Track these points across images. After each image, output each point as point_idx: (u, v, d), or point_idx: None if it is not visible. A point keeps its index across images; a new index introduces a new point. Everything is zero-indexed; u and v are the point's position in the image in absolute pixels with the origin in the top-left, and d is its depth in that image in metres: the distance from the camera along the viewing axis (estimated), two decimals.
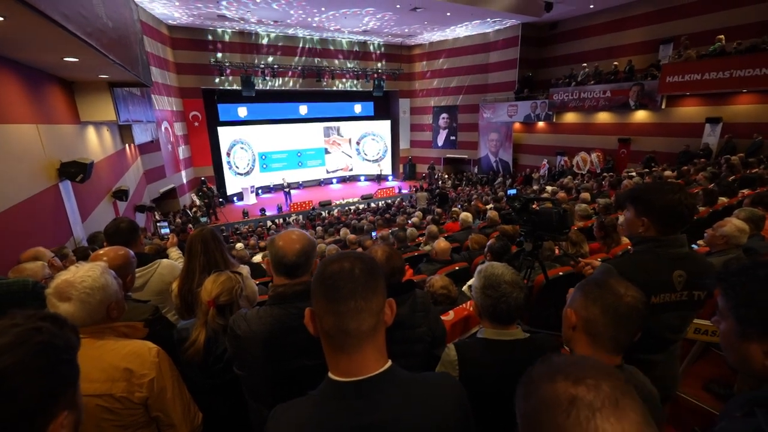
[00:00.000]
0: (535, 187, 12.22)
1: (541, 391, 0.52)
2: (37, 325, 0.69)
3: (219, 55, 15.41)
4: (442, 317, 1.89)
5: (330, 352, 0.78)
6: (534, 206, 1.94)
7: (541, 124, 15.54)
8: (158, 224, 9.43)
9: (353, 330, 0.74)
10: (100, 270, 1.21)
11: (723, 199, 4.22)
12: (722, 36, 10.08)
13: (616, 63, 12.90)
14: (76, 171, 4.46)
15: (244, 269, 1.92)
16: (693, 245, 3.12)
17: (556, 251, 3.05)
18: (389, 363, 0.78)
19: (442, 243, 3.54)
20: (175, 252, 2.72)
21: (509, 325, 1.23)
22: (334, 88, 18.37)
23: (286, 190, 16.31)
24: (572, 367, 0.53)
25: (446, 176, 18.99)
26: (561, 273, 2.62)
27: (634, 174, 8.44)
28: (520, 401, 0.56)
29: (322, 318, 0.77)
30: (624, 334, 0.91)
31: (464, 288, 2.62)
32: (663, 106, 11.51)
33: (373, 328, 0.76)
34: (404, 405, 0.74)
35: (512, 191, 2.03)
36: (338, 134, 20.67)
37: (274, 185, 18.62)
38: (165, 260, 2.20)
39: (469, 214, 5.18)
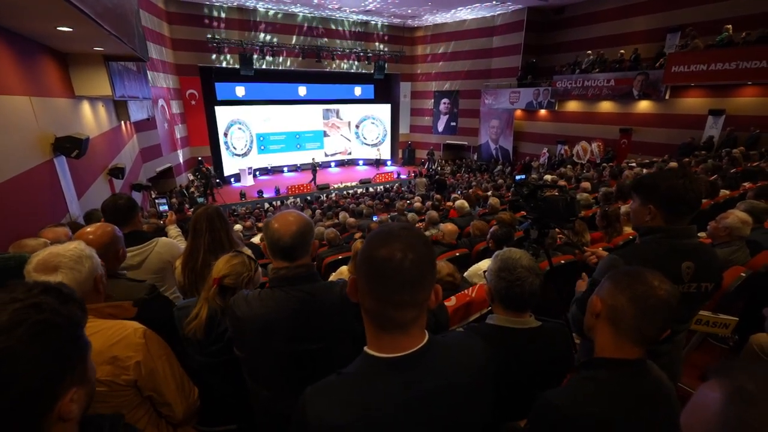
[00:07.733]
0: (534, 176, 12.17)
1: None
2: (38, 301, 0.62)
3: (216, 29, 14.99)
4: (444, 302, 1.89)
5: (371, 329, 0.75)
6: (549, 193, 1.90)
7: (542, 111, 15.39)
8: (156, 201, 9.24)
9: (396, 318, 0.71)
10: (81, 243, 1.17)
11: (725, 192, 4.21)
12: (729, 26, 9.90)
13: (622, 51, 12.69)
14: (71, 146, 4.33)
15: (246, 251, 1.89)
16: None
17: (558, 240, 3.04)
18: (427, 335, 0.76)
19: (449, 225, 3.58)
20: (173, 230, 2.68)
21: (523, 313, 1.21)
22: (335, 69, 18.01)
23: (315, 168, 16.40)
24: None
25: (444, 162, 18.86)
26: (563, 261, 2.61)
27: (634, 164, 8.43)
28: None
29: (364, 295, 0.72)
30: (650, 327, 0.88)
31: (466, 274, 2.62)
32: (666, 97, 11.40)
33: (416, 317, 0.73)
34: (448, 370, 0.75)
35: (520, 177, 1.98)
36: (337, 117, 20.38)
37: (272, 167, 18.47)
38: (163, 238, 2.16)
39: (464, 202, 5.17)
